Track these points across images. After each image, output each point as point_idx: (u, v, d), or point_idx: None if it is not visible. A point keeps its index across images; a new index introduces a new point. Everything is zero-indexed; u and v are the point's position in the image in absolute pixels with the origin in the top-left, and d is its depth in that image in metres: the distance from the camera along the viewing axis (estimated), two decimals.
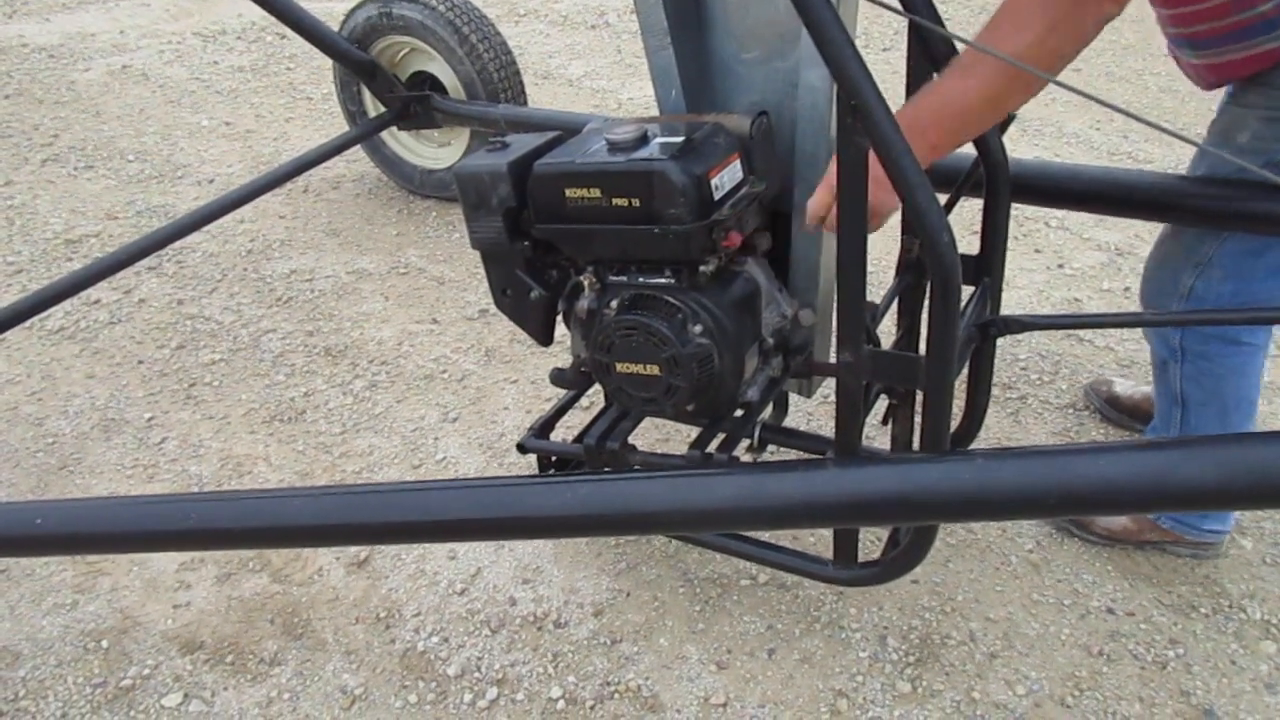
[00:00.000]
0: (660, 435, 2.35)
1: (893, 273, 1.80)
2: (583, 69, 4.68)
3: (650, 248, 1.46)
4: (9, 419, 2.56)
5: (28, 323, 2.56)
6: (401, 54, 3.29)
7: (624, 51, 4.89)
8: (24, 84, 4.72)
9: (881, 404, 1.86)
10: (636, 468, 1.71)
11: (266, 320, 2.91)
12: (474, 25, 3.12)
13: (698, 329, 1.49)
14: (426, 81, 3.27)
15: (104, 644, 1.93)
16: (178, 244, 3.06)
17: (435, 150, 3.50)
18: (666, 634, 1.88)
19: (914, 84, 1.54)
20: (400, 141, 3.50)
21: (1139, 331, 2.64)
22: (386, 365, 2.69)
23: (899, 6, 1.41)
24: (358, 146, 3.39)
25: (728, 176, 1.48)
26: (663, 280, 1.52)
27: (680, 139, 1.46)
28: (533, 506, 1.15)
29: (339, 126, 3.75)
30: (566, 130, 1.66)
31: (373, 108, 3.41)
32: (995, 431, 2.33)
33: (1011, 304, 2.81)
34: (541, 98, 4.34)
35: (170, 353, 2.77)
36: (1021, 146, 3.78)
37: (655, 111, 1.73)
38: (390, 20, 3.14)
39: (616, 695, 1.77)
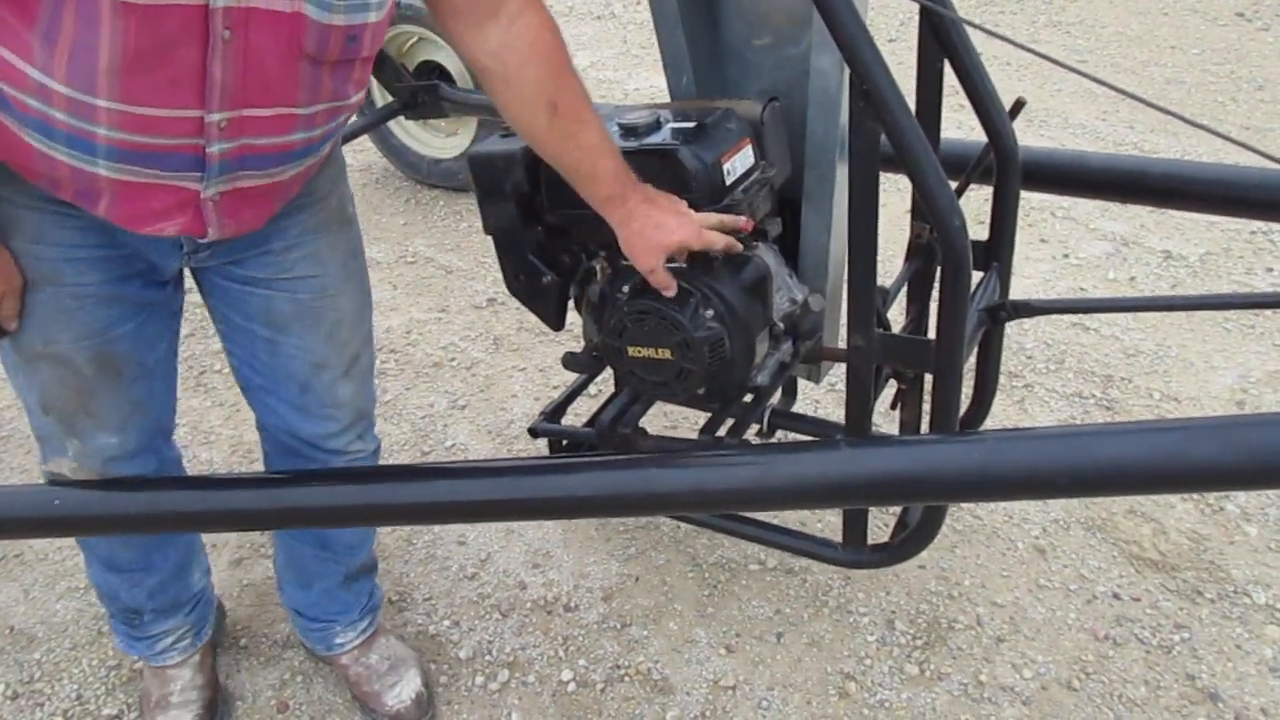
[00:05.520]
0: (668, 422, 2.37)
1: (901, 259, 1.81)
2: (589, 59, 4.68)
3: None
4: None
5: None
6: (409, 43, 3.30)
7: (630, 42, 4.89)
8: None
9: (888, 392, 1.87)
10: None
11: None
12: None
13: (709, 313, 1.50)
14: (434, 71, 3.28)
15: None
16: None
17: (443, 140, 3.51)
18: (676, 618, 1.89)
19: (924, 71, 1.55)
20: (408, 131, 3.51)
21: (1145, 320, 2.65)
22: (395, 353, 2.71)
23: None
24: (365, 136, 3.40)
25: (739, 162, 1.49)
26: (675, 265, 1.53)
27: (692, 124, 1.47)
28: (549, 487, 1.16)
29: None
30: None
31: (380, 97, 3.41)
32: (1001, 419, 2.34)
33: (1018, 293, 2.80)
34: None
35: (180, 341, 2.78)
36: (1027, 136, 3.77)
37: (665, 100, 1.74)
38: (398, 9, 3.13)
39: (627, 678, 1.79)
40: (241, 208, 1.21)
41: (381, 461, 2.30)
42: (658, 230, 1.38)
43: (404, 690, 1.72)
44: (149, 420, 1.43)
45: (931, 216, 1.29)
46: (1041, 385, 2.45)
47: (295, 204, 1.35)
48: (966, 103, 1.56)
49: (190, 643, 1.72)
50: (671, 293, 1.45)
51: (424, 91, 3.16)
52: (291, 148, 1.19)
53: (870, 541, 1.66)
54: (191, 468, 2.33)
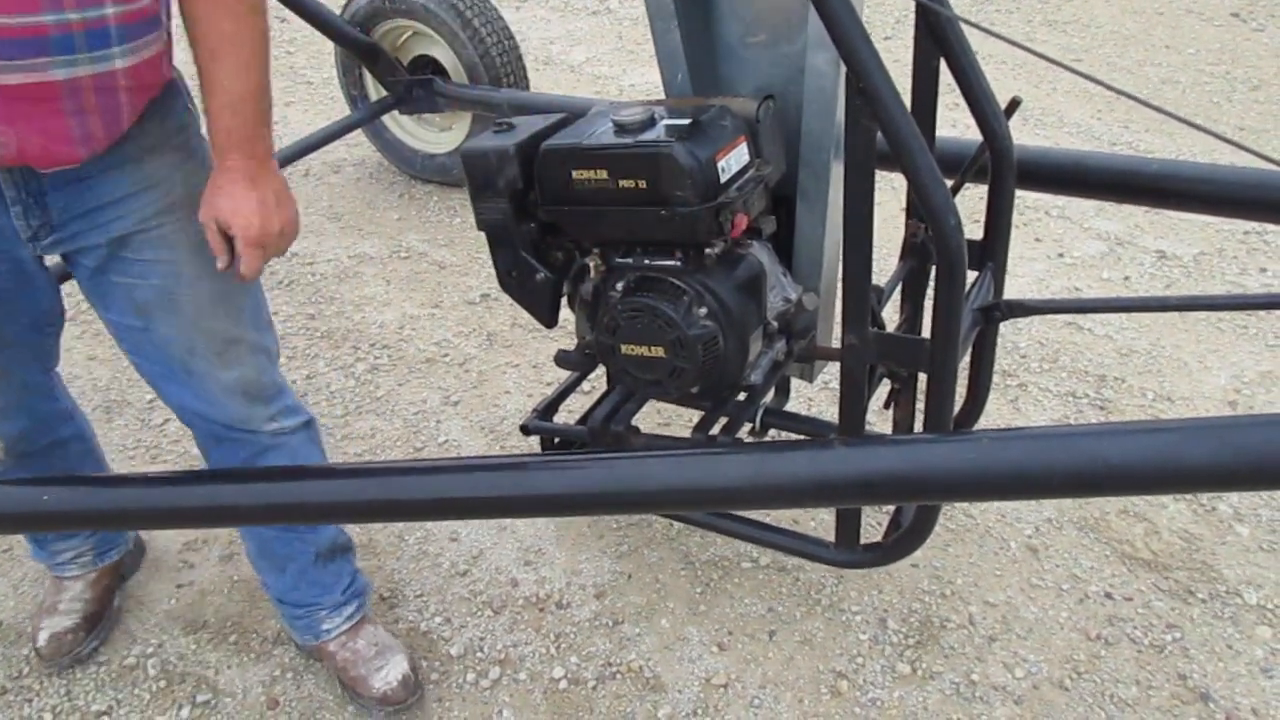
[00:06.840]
0: (661, 420, 2.36)
1: (896, 258, 1.81)
2: (584, 55, 4.67)
3: (656, 230, 1.47)
4: None
5: None
6: (404, 38, 3.28)
7: (625, 38, 4.87)
8: None
9: (881, 392, 1.87)
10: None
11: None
12: (477, 9, 3.11)
13: (703, 311, 1.50)
14: (429, 65, 3.27)
15: None
16: None
17: (436, 135, 3.50)
18: (668, 615, 1.89)
19: (920, 69, 1.54)
20: (402, 126, 3.49)
21: (1139, 320, 2.65)
22: (388, 349, 2.70)
23: None
24: (358, 130, 3.39)
25: (734, 159, 1.48)
26: (668, 262, 1.53)
27: (687, 121, 1.46)
28: (541, 484, 1.16)
29: (339, 110, 3.73)
30: (571, 114, 1.66)
31: (374, 91, 3.40)
32: (995, 419, 2.34)
33: (1012, 293, 2.79)
34: (542, 84, 4.33)
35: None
36: (1023, 136, 3.78)
37: (660, 96, 1.73)
38: (393, 4, 3.13)
39: (619, 675, 1.78)
40: (14, 113, 1.18)
41: (374, 457, 2.31)
42: (229, 199, 1.31)
43: (391, 673, 1.73)
44: (11, 382, 1.55)
45: (926, 215, 1.29)
46: (1035, 384, 2.45)
47: (129, 186, 1.34)
48: (962, 101, 1.55)
49: (90, 560, 1.89)
50: (221, 264, 1.37)
51: (418, 86, 3.15)
52: (43, 31, 1.15)
53: (863, 541, 1.66)
54: (182, 463, 2.32)
